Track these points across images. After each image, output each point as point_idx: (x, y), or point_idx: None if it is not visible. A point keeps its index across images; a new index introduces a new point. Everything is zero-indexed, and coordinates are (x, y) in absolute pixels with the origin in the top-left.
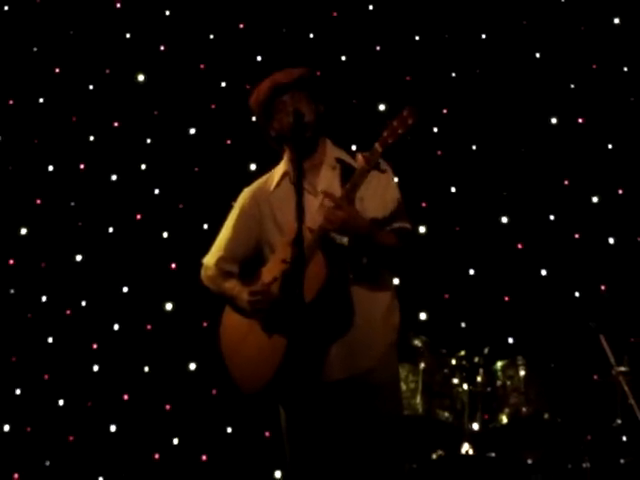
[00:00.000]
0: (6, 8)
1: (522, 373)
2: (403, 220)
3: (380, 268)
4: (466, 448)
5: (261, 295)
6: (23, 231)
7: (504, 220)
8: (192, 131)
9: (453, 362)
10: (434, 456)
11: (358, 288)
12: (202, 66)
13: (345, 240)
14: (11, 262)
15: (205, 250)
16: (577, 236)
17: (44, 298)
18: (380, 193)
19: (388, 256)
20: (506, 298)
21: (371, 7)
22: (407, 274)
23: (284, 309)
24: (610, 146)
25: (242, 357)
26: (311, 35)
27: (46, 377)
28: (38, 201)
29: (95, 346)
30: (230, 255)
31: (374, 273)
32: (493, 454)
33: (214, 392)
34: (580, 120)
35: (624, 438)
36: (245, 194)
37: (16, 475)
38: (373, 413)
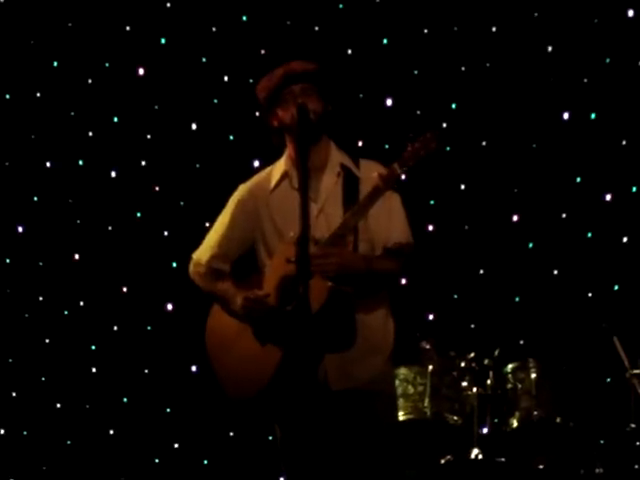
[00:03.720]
0: (2, 1)
1: (533, 376)
2: (406, 236)
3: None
4: (475, 453)
5: (255, 303)
6: (20, 229)
7: (515, 218)
8: (194, 126)
9: (462, 364)
10: (443, 461)
11: (357, 302)
12: (204, 60)
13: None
14: (7, 261)
15: None
16: (590, 235)
17: (41, 298)
18: (387, 213)
19: (387, 282)
20: (517, 299)
21: None
22: (415, 274)
23: (282, 319)
24: (624, 142)
25: (231, 361)
26: (316, 28)
27: (43, 379)
28: (35, 198)
29: (94, 347)
30: (223, 253)
31: None
32: (503, 459)
33: (216, 395)
34: (593, 116)
35: (638, 443)
36: (242, 190)
37: None
38: (368, 420)
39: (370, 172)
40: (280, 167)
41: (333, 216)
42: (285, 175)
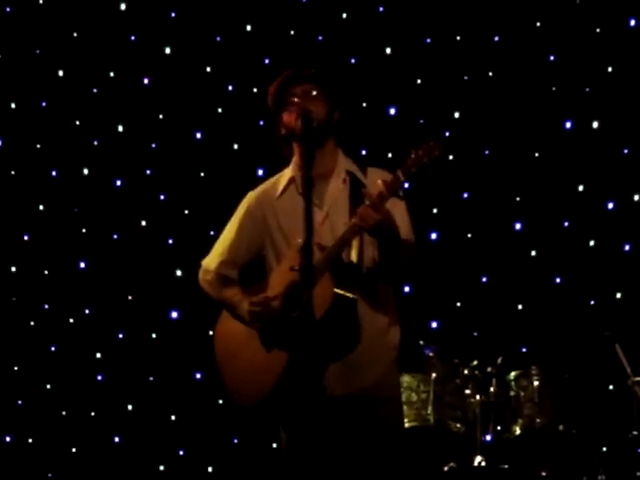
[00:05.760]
0: (8, 9)
1: (536, 383)
2: (410, 237)
3: (386, 280)
4: (478, 460)
5: (261, 307)
6: (25, 237)
7: (517, 227)
8: (198, 135)
9: (465, 372)
10: (446, 468)
11: (361, 307)
12: (208, 69)
13: (354, 258)
14: (13, 269)
15: None
16: (592, 243)
17: (47, 306)
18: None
19: (401, 267)
20: (519, 306)
21: (381, 9)
22: (419, 282)
23: (286, 325)
24: (626, 151)
25: (238, 368)
26: (320, 37)
27: (48, 387)
28: (41, 207)
29: (99, 355)
30: (231, 259)
31: (377, 291)
32: (506, 466)
33: (220, 402)
34: (595, 124)
35: None
36: (250, 198)
37: None
38: (374, 427)
39: (376, 179)
40: (287, 174)
41: (338, 222)
42: (292, 181)
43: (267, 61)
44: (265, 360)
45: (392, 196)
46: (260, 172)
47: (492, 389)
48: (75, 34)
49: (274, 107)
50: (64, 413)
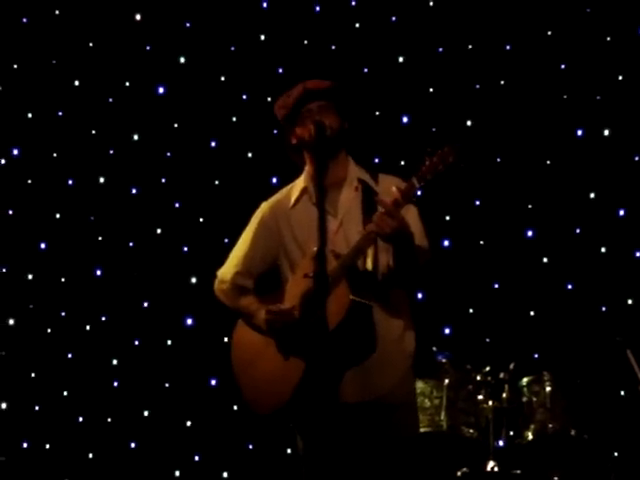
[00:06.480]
0: (24, 20)
1: (548, 389)
2: (424, 244)
3: (401, 287)
4: (491, 465)
5: (279, 316)
6: (42, 245)
7: (529, 233)
8: (213, 144)
9: (478, 378)
10: (459, 473)
11: (376, 313)
12: (223, 78)
13: (369, 265)
14: (30, 277)
15: None
16: (603, 249)
17: (63, 313)
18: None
19: (416, 273)
20: (531, 312)
21: (394, 18)
22: (431, 289)
23: (304, 333)
24: (637, 158)
25: (255, 376)
26: (333, 47)
27: (65, 393)
28: (57, 215)
29: (115, 362)
30: (246, 270)
31: (392, 298)
32: (519, 471)
33: (235, 408)
34: (606, 132)
35: None
36: (264, 208)
37: None
38: (389, 433)
39: (389, 186)
40: (300, 184)
41: (352, 230)
42: (304, 191)
43: (281, 70)
44: (282, 368)
45: (407, 203)
46: (274, 180)
47: (504, 395)
48: (91, 44)
49: (286, 121)
50: (81, 419)
